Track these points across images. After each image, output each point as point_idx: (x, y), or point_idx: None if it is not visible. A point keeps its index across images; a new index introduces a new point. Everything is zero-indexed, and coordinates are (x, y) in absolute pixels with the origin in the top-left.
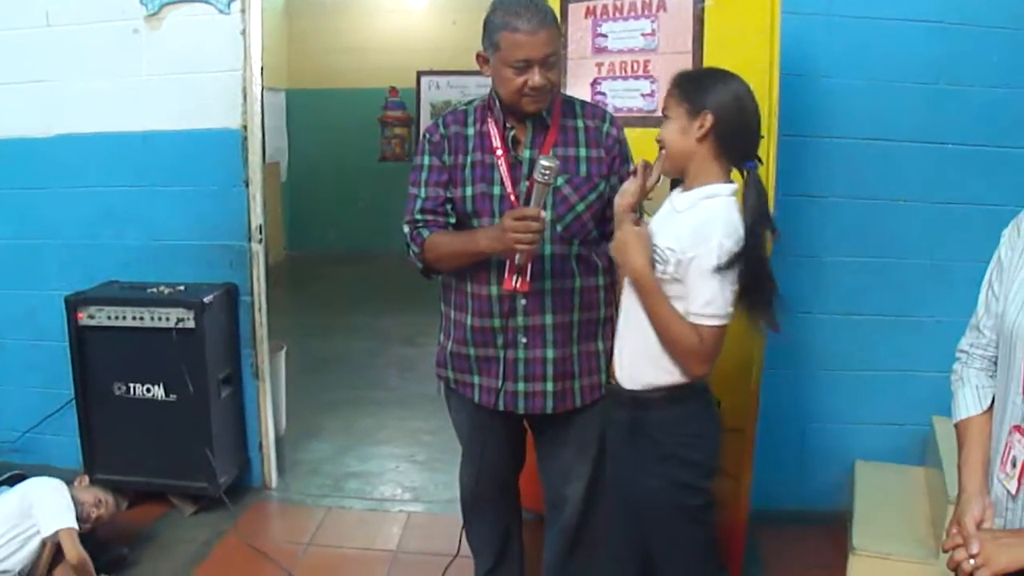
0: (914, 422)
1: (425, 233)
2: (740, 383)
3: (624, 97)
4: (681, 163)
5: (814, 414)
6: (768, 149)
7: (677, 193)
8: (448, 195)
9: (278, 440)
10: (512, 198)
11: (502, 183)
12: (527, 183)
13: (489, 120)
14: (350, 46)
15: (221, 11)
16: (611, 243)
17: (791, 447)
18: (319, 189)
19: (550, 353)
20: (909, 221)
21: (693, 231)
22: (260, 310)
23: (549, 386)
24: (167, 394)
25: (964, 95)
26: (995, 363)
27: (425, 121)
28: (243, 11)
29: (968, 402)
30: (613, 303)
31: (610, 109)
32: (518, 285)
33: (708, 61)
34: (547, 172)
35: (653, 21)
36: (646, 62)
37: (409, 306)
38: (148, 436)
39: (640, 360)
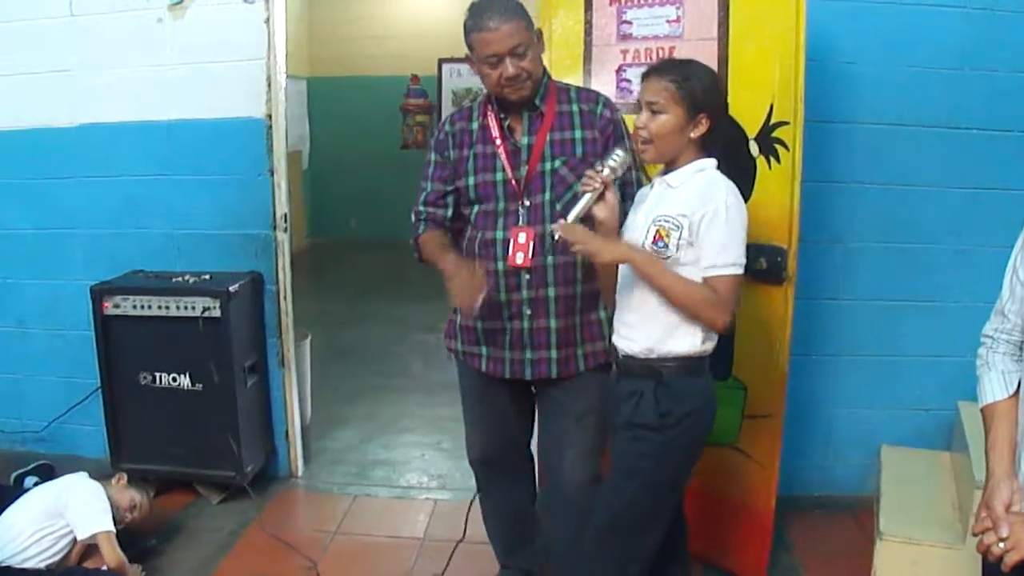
0: (940, 407)
1: (422, 228)
2: (767, 369)
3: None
4: (668, 156)
5: (840, 399)
6: (794, 135)
7: (664, 175)
8: (448, 188)
9: (303, 429)
10: (513, 183)
11: (504, 169)
12: (526, 168)
13: (489, 114)
14: (371, 33)
15: (244, 0)
16: (590, 258)
17: (818, 433)
18: (341, 177)
19: (554, 323)
20: (934, 206)
21: (699, 193)
22: (285, 298)
23: (553, 353)
24: (193, 383)
25: (988, 80)
26: (1020, 347)
27: (447, 108)
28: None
29: (994, 386)
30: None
31: (635, 96)
32: (521, 261)
33: (733, 48)
34: (617, 158)
35: (678, 8)
36: (671, 49)
37: (430, 293)
38: (174, 425)
39: (654, 329)
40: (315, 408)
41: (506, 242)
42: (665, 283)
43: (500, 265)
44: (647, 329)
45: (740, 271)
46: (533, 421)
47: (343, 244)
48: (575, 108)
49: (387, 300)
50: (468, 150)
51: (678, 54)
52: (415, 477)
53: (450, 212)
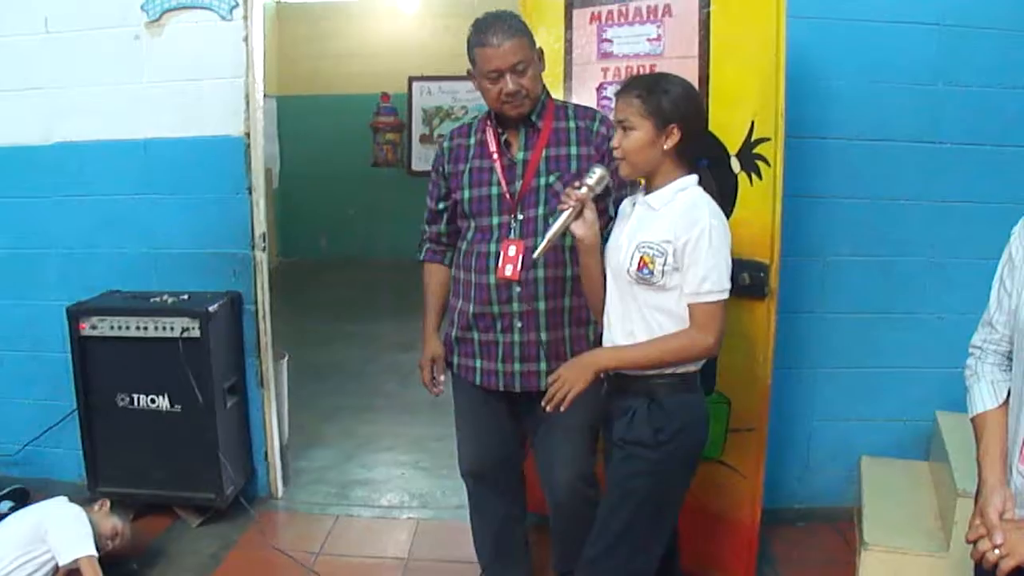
0: (917, 417)
1: (423, 252)
2: (751, 383)
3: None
4: (644, 170)
5: (820, 412)
6: (775, 151)
7: (644, 195)
8: (440, 206)
9: (282, 449)
10: (508, 197)
11: (499, 183)
12: (520, 183)
13: (487, 129)
14: (341, 52)
15: (223, 17)
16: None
17: (798, 445)
18: (311, 196)
19: (544, 336)
20: (910, 219)
21: (682, 217)
22: (264, 318)
23: (542, 365)
24: (172, 404)
25: (961, 95)
26: (1009, 357)
27: (417, 126)
28: (245, 17)
29: (984, 396)
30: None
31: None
32: (510, 274)
33: (714, 65)
34: (594, 174)
35: (659, 26)
36: (652, 67)
37: (403, 312)
38: (152, 447)
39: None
40: (292, 428)
41: (498, 255)
42: (639, 358)
43: (491, 278)
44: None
45: (723, 296)
46: (524, 437)
47: (314, 264)
48: (572, 125)
49: (360, 319)
50: (464, 164)
51: (658, 72)
52: (396, 496)
53: (445, 227)
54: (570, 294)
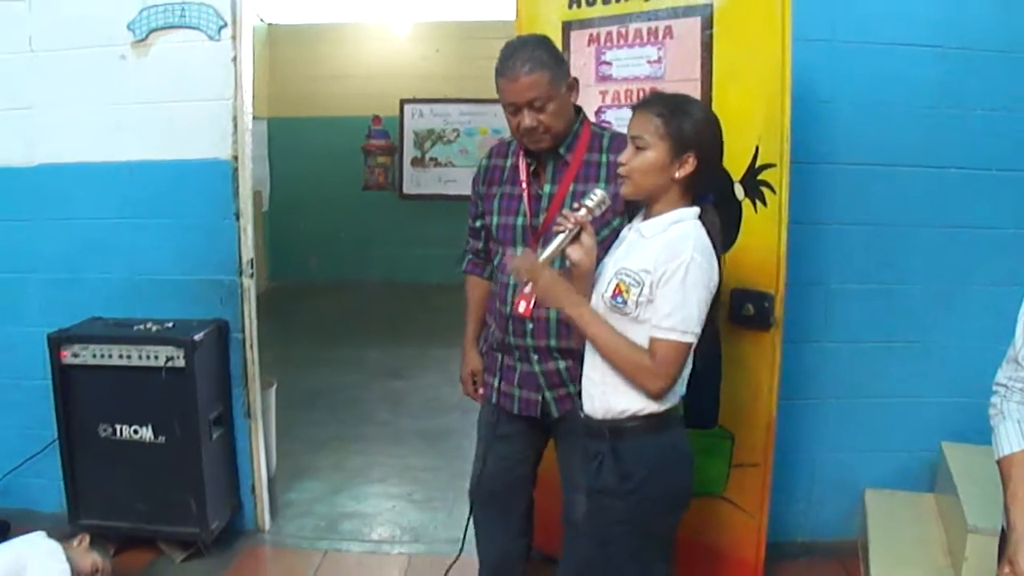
0: (922, 448)
1: (465, 263)
2: (754, 417)
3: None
4: (647, 194)
5: (823, 443)
6: (780, 177)
7: (640, 221)
8: (477, 224)
9: (269, 481)
10: (531, 229)
11: (524, 214)
12: (544, 216)
13: (520, 153)
14: (332, 74)
15: (211, 37)
16: (535, 295)
17: (802, 477)
18: (301, 218)
19: (561, 364)
20: (914, 246)
21: (665, 249)
22: (252, 347)
23: (571, 388)
24: (156, 435)
25: (965, 119)
26: None
27: (409, 150)
28: (234, 37)
29: (1011, 437)
30: None
31: None
32: (523, 310)
33: (717, 89)
34: (595, 197)
35: (660, 48)
36: (652, 90)
37: (395, 338)
38: (135, 479)
39: (611, 386)
40: (280, 458)
41: (515, 288)
42: (593, 332)
43: (507, 309)
44: (604, 385)
45: (685, 339)
46: (536, 463)
47: (304, 287)
48: (603, 159)
49: (351, 345)
50: (497, 188)
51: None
52: (387, 530)
53: (483, 244)
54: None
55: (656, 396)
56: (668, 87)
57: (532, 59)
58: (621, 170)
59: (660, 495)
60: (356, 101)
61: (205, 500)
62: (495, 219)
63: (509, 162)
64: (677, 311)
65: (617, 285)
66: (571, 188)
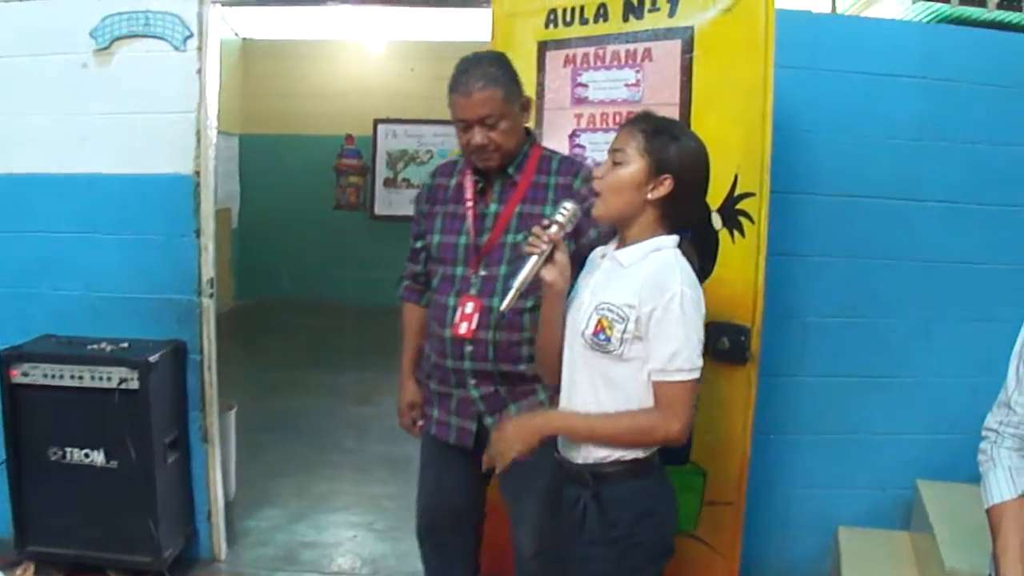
0: (897, 486)
1: (401, 289)
2: (728, 454)
3: (605, 151)
4: (619, 214)
5: (798, 480)
6: (760, 207)
7: (615, 249)
8: (418, 244)
9: (227, 507)
10: (474, 249)
11: (467, 233)
12: (488, 236)
13: (467, 172)
14: (306, 91)
15: (176, 48)
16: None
17: (776, 515)
18: (271, 237)
19: (502, 389)
20: (892, 279)
21: (649, 282)
22: (210, 369)
23: (513, 409)
24: (108, 460)
25: (947, 151)
26: None
27: (381, 170)
28: (199, 48)
29: (1001, 486)
30: None
31: (590, 162)
32: (464, 332)
33: (696, 114)
34: (565, 211)
35: (638, 71)
36: (630, 114)
37: (363, 362)
38: (86, 505)
39: None
40: (241, 484)
41: (455, 309)
42: (594, 433)
43: (447, 332)
44: None
45: (693, 376)
46: (482, 495)
47: (272, 307)
48: (552, 181)
49: (318, 368)
50: (440, 207)
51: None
52: (347, 561)
53: (422, 267)
54: (524, 359)
55: (678, 439)
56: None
57: (486, 75)
58: (596, 184)
59: (648, 542)
60: (329, 119)
61: (158, 527)
62: (436, 238)
63: (454, 181)
64: (681, 350)
65: (599, 321)
66: (517, 209)
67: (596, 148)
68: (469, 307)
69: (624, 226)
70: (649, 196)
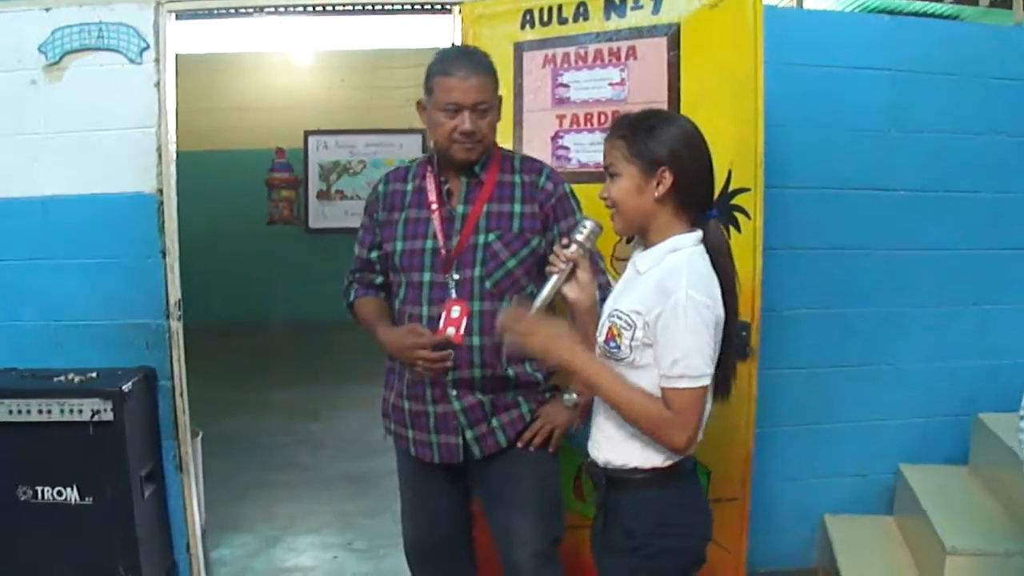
0: (878, 471)
1: (352, 294)
2: (731, 449)
3: (591, 151)
4: (638, 224)
5: (781, 472)
6: (755, 202)
7: (638, 253)
8: (372, 255)
9: (202, 537)
10: (443, 252)
11: (435, 237)
12: (458, 238)
13: (428, 175)
14: (233, 105)
15: (132, 60)
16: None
17: (760, 507)
18: (203, 256)
19: (485, 398)
20: (865, 269)
21: (656, 287)
22: (182, 395)
23: (495, 422)
24: (82, 497)
25: (913, 142)
26: None
27: (314, 182)
28: (157, 60)
29: None
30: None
31: (574, 164)
32: (453, 335)
33: (686, 110)
34: (584, 229)
35: (622, 70)
36: (615, 113)
37: (306, 378)
38: (60, 545)
39: (616, 435)
40: (206, 512)
41: (433, 319)
42: (604, 388)
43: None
44: (609, 431)
45: (699, 383)
46: (468, 508)
47: (208, 328)
48: (517, 179)
49: (261, 387)
50: (399, 213)
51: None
52: None
53: (380, 279)
54: (513, 362)
55: (683, 449)
56: (632, 110)
57: (483, 64)
58: (606, 203)
59: (670, 552)
60: (258, 133)
61: (140, 564)
62: (399, 245)
63: (410, 186)
64: (683, 356)
65: (610, 329)
66: (485, 208)
67: (581, 149)
68: (456, 311)
69: (645, 233)
70: (656, 195)
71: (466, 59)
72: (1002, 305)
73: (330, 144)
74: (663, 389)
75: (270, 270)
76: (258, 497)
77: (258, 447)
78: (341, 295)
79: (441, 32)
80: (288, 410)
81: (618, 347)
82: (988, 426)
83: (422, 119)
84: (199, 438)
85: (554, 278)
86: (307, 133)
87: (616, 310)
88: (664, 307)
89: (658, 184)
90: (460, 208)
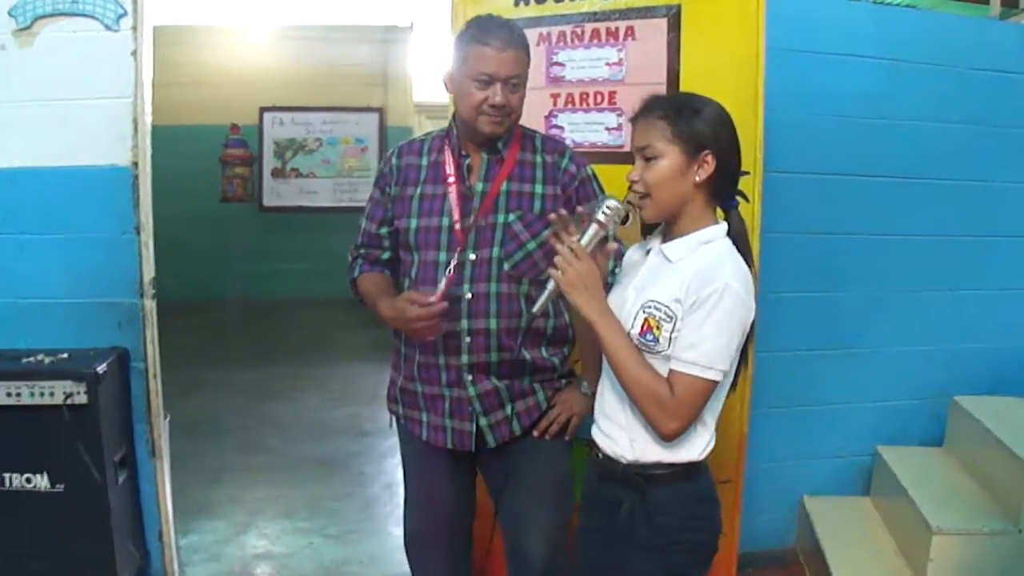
0: (855, 453)
1: (357, 269)
2: (726, 432)
3: (585, 131)
4: (672, 210)
5: (760, 454)
6: (754, 186)
7: (660, 243)
8: (382, 231)
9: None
10: (458, 231)
11: (450, 214)
12: (474, 217)
13: (445, 149)
14: (187, 80)
15: (108, 27)
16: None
17: (742, 489)
18: (156, 234)
19: (501, 383)
20: (847, 253)
21: (698, 276)
22: (155, 377)
23: (509, 409)
24: (52, 484)
25: (896, 129)
26: None
27: (269, 160)
28: (134, 28)
29: None
30: (562, 343)
31: (569, 143)
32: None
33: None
34: (609, 212)
35: (620, 49)
36: (611, 93)
37: (264, 358)
38: (29, 535)
39: (642, 430)
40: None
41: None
42: (612, 348)
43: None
44: (634, 427)
45: (708, 375)
46: (474, 498)
47: (161, 307)
48: (539, 159)
49: (219, 368)
50: (414, 188)
51: (620, 99)
52: (309, 570)
53: (388, 255)
54: (530, 346)
55: (668, 438)
56: (630, 91)
57: (520, 37)
58: (637, 187)
59: (696, 546)
60: (213, 109)
61: (113, 553)
62: (414, 222)
63: (426, 160)
64: (702, 342)
65: (646, 320)
66: (504, 187)
67: (575, 128)
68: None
69: (673, 220)
70: (697, 179)
71: (504, 30)
72: (977, 291)
73: (286, 121)
74: (671, 371)
75: (224, 248)
76: (226, 481)
77: (222, 429)
78: (346, 270)
79: (400, 10)
80: (250, 391)
81: (656, 340)
82: (964, 407)
83: (447, 88)
84: (167, 421)
85: (594, 227)
86: (263, 109)
87: (652, 301)
88: (701, 293)
89: (700, 168)
90: (479, 185)
